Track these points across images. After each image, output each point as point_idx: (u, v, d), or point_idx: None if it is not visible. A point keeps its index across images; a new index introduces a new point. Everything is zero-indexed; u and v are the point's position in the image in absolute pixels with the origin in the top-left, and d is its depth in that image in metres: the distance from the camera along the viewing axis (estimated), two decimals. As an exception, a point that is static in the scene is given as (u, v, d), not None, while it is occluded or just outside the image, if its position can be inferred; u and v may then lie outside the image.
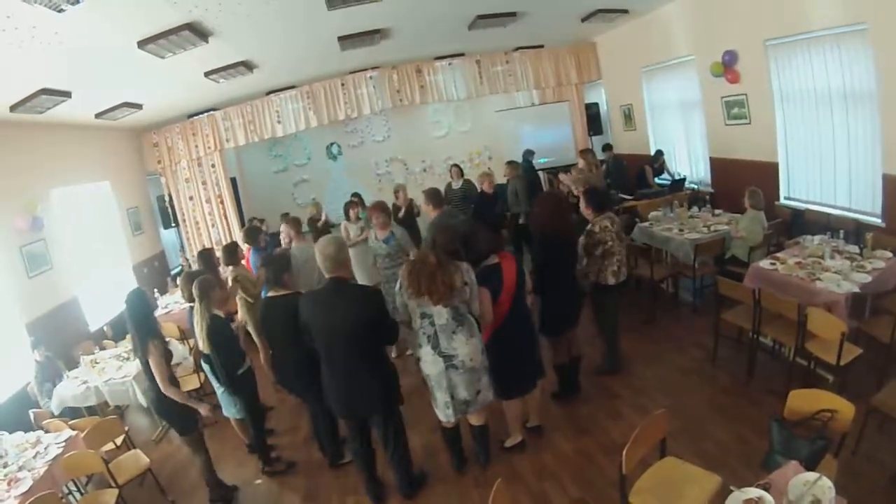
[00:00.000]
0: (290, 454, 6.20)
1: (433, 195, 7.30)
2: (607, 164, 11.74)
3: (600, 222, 5.95)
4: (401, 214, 10.39)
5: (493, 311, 4.78)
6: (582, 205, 6.17)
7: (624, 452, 3.52)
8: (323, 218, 10.83)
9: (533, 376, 5.27)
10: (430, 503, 5.05)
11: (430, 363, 4.68)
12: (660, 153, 11.73)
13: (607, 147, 12.31)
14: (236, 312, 7.04)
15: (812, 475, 2.87)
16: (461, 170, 11.11)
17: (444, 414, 4.86)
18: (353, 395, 4.61)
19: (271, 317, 5.26)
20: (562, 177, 9.58)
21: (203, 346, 5.37)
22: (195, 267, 8.81)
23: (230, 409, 5.98)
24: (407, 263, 4.72)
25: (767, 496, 2.80)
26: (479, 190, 10.48)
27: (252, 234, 8.84)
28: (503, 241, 5.17)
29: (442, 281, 4.41)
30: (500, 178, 11.35)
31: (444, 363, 4.63)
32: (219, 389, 5.94)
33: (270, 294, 5.35)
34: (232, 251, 7.60)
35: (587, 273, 5.98)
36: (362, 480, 5.13)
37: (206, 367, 5.91)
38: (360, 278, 9.58)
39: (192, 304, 5.64)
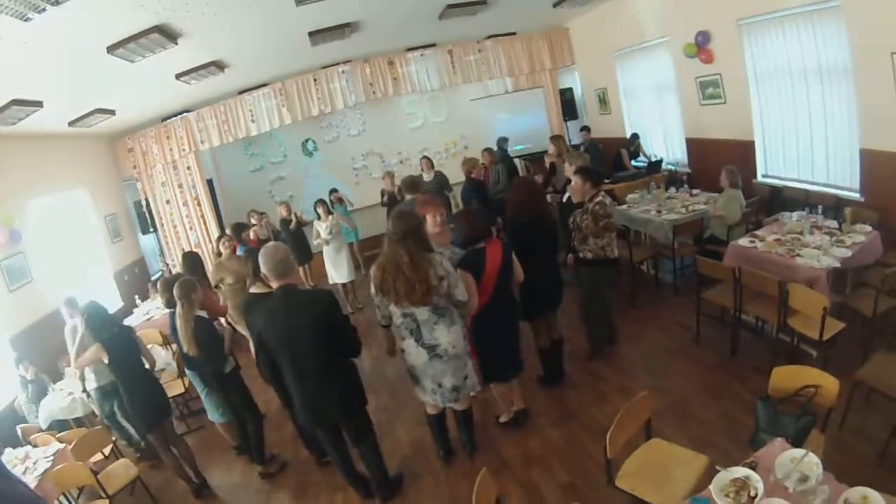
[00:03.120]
0: (279, 452, 6.19)
1: (409, 183, 7.88)
2: (584, 146, 11.70)
3: (597, 199, 5.99)
4: (385, 199, 10.72)
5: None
6: (578, 183, 6.17)
7: (608, 436, 3.54)
8: (294, 220, 10.73)
9: (514, 364, 5.31)
10: (419, 496, 5.07)
11: (415, 355, 4.72)
12: (635, 136, 11.73)
13: (585, 129, 12.20)
14: (223, 314, 7.02)
15: (799, 452, 2.89)
16: (431, 162, 11.09)
17: (432, 398, 4.89)
18: (318, 402, 4.48)
19: (254, 313, 5.20)
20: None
21: (188, 348, 5.36)
22: (176, 271, 8.84)
23: (214, 414, 5.99)
24: (376, 265, 4.61)
25: (754, 475, 2.81)
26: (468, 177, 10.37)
27: (236, 229, 8.87)
28: (490, 227, 5.10)
29: (418, 281, 4.37)
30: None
31: (428, 354, 4.65)
32: (202, 393, 5.96)
33: (253, 290, 5.31)
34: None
35: (604, 247, 6.02)
36: (347, 482, 5.09)
37: (189, 372, 5.91)
38: (337, 275, 9.64)
39: (172, 309, 5.62)
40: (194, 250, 10.40)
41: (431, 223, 5.06)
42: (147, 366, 5.83)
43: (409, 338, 4.68)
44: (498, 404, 5.64)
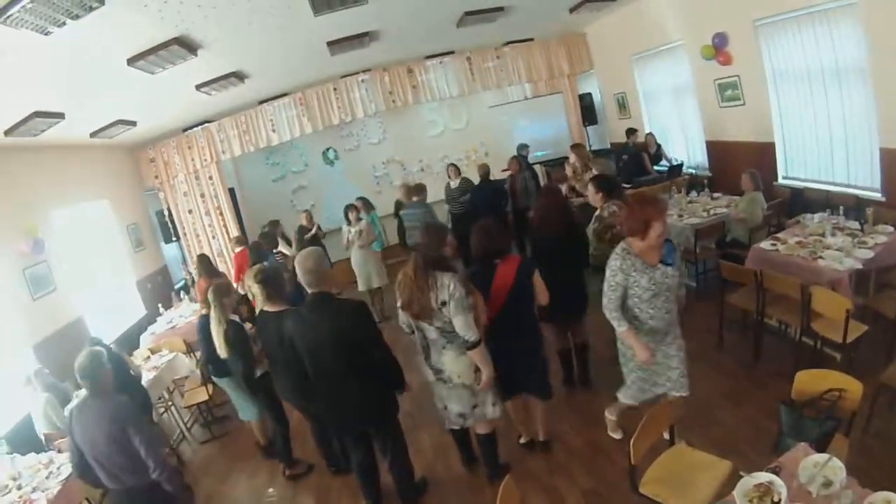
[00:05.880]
0: (303, 456, 6.20)
1: (416, 187, 8.81)
2: (631, 149, 11.66)
3: (608, 207, 5.96)
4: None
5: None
6: (591, 192, 6.18)
7: (631, 442, 3.52)
8: (314, 229, 10.83)
9: (517, 384, 5.07)
10: (442, 501, 5.08)
11: (424, 373, 4.74)
12: (650, 135, 11.57)
13: (632, 131, 11.86)
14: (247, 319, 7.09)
15: (822, 456, 2.86)
16: (458, 168, 11.10)
17: (439, 418, 4.89)
18: (347, 411, 4.49)
19: (265, 331, 5.23)
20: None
21: (222, 350, 5.49)
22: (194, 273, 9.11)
23: (246, 413, 6.10)
24: (400, 273, 4.55)
25: (777, 480, 2.79)
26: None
27: (264, 238, 9.06)
28: (508, 244, 4.96)
29: (417, 299, 4.29)
30: (496, 173, 11.41)
31: (435, 375, 4.62)
32: (233, 394, 6.04)
33: (266, 309, 5.33)
34: (258, 251, 8.51)
35: (598, 258, 5.96)
36: (363, 491, 5.02)
37: (217, 379, 5.99)
38: (363, 283, 9.65)
39: (205, 313, 5.84)
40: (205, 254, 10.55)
41: (658, 230, 4.08)
42: (133, 373, 6.64)
43: (420, 354, 4.67)
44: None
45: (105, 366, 4.18)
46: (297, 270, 4.31)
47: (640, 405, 4.59)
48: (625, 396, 4.77)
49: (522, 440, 5.50)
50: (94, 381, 4.11)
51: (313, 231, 10.74)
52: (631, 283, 4.17)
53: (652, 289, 4.15)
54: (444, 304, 4.25)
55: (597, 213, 6.05)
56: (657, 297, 4.19)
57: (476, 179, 10.73)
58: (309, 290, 4.35)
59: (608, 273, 4.28)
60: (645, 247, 4.13)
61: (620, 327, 4.29)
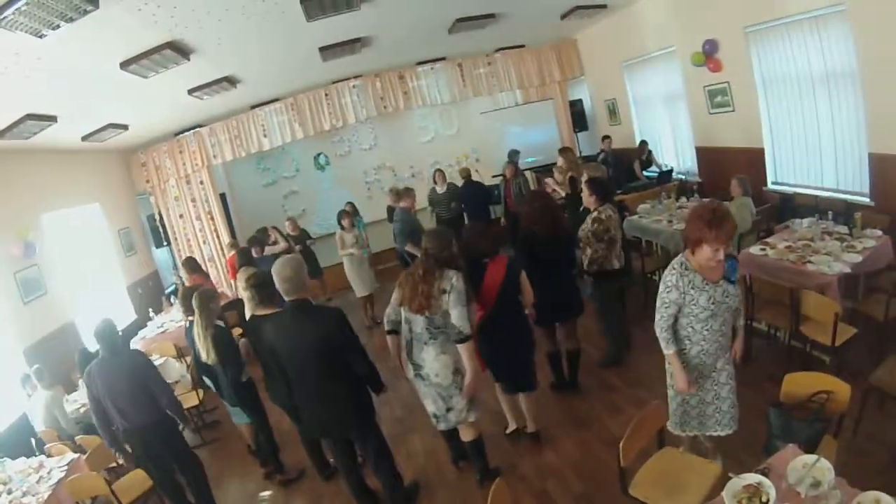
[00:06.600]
0: (295, 461, 6.17)
1: (404, 191, 8.83)
2: (606, 155, 11.78)
3: (605, 210, 6.01)
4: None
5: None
6: (585, 194, 6.21)
7: (620, 446, 3.55)
8: (299, 236, 10.85)
9: (519, 380, 5.25)
10: (433, 504, 5.07)
11: (406, 368, 4.77)
12: (644, 143, 11.68)
13: (605, 137, 12.19)
14: (236, 325, 7.08)
15: (811, 457, 2.88)
16: (444, 175, 11.15)
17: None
18: (326, 416, 4.49)
19: (258, 337, 5.21)
20: (549, 181, 9.57)
21: (207, 356, 5.41)
22: (184, 277, 9.08)
23: (241, 417, 6.04)
24: (403, 273, 4.69)
25: (766, 481, 2.81)
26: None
27: (252, 241, 9.06)
28: (497, 245, 5.05)
29: (422, 291, 4.39)
30: (487, 178, 11.46)
31: (414, 371, 4.67)
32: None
33: (258, 313, 5.31)
34: (247, 255, 8.30)
35: (595, 260, 6.05)
36: (352, 496, 4.98)
37: (208, 381, 5.95)
38: (358, 289, 9.64)
39: (191, 319, 5.71)
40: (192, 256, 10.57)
41: (706, 254, 3.60)
42: None
43: (404, 350, 4.72)
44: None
45: (117, 331, 5.18)
46: (275, 279, 4.28)
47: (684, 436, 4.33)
48: (670, 423, 4.26)
49: (508, 430, 5.58)
50: (111, 342, 5.01)
51: (299, 237, 10.77)
52: (687, 302, 3.76)
53: (710, 308, 3.73)
54: (444, 291, 4.38)
55: (593, 215, 6.06)
56: (714, 318, 3.79)
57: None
58: (286, 298, 4.31)
59: (662, 288, 3.87)
60: (709, 265, 3.69)
61: (668, 349, 3.97)
